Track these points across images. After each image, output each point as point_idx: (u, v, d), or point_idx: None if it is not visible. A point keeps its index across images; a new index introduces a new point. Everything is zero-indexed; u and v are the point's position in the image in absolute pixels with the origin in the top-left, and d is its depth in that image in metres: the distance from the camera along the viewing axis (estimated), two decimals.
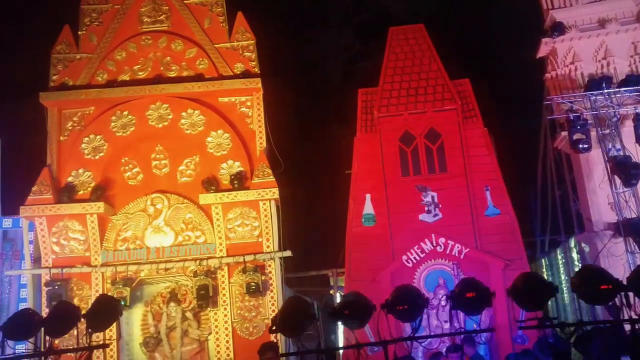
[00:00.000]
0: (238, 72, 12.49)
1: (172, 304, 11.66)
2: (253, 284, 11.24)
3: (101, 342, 7.62)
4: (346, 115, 13.92)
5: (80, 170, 11.86)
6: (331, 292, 14.61)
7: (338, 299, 14.44)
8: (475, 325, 9.45)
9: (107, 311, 6.93)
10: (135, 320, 11.86)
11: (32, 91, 13.63)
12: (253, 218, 11.87)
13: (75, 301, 11.32)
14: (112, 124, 12.10)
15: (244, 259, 11.50)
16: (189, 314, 11.73)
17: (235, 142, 12.21)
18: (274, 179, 11.88)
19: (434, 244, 11.80)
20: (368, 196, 12.93)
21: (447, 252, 11.74)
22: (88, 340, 5.26)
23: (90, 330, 6.50)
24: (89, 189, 11.75)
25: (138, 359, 11.72)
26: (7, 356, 6.59)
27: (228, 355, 11.40)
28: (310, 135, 15.10)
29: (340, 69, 22.68)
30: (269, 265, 11.77)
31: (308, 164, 14.30)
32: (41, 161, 12.69)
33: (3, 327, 6.17)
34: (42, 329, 6.49)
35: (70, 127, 12.27)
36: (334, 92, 14.19)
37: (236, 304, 11.60)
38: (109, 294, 11.48)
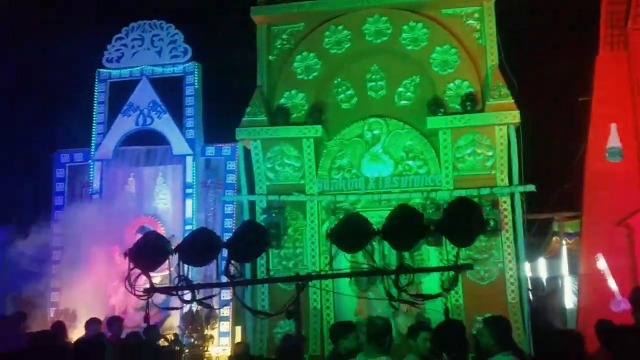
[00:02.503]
0: None
1: None
2: (492, 221, 9.53)
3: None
4: (585, 30, 11.54)
5: (293, 92, 10.64)
6: (554, 239, 12.56)
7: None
8: None
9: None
10: (341, 253, 10.64)
11: (233, 11, 12.69)
12: (487, 146, 10.07)
13: (290, 232, 10.34)
14: (326, 39, 10.72)
15: (478, 193, 9.78)
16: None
17: (463, 59, 10.39)
18: (512, 101, 9.97)
19: None
20: (613, 126, 10.64)
21: None
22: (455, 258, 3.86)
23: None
24: (303, 112, 10.53)
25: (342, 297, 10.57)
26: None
27: (457, 300, 9.87)
28: (544, 53, 12.85)
29: None
30: (504, 202, 9.99)
31: (539, 86, 12.14)
32: (243, 86, 11.74)
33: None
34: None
35: (279, 46, 11.07)
36: (571, 1, 11.76)
37: None
38: (325, 224, 10.37)
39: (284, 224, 10.10)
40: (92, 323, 8.49)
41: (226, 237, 11.83)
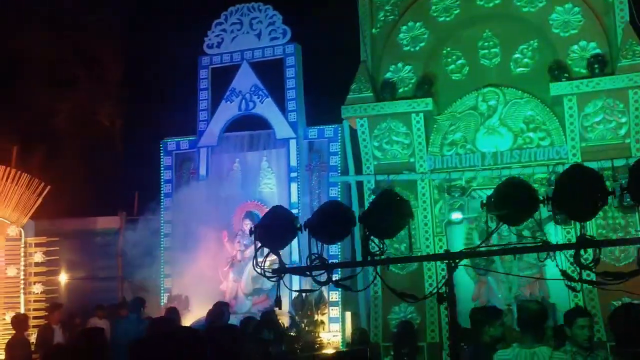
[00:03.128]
0: None
1: None
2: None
3: None
4: None
5: (400, 65, 10.03)
6: None
7: None
8: None
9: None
10: (456, 236, 9.97)
11: None
12: (619, 112, 9.03)
13: None
14: (433, 7, 10.00)
15: (612, 164, 8.79)
16: (526, 232, 9.45)
17: (588, 18, 9.36)
18: None
19: None
20: None
21: None
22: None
23: None
24: (410, 85, 9.90)
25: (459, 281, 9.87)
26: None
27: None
28: None
29: None
30: None
31: None
32: (343, 65, 11.27)
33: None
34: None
35: (382, 18, 10.46)
36: None
37: (596, 221, 8.99)
38: (438, 205, 9.74)
39: None
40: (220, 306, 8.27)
41: None
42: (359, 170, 10.29)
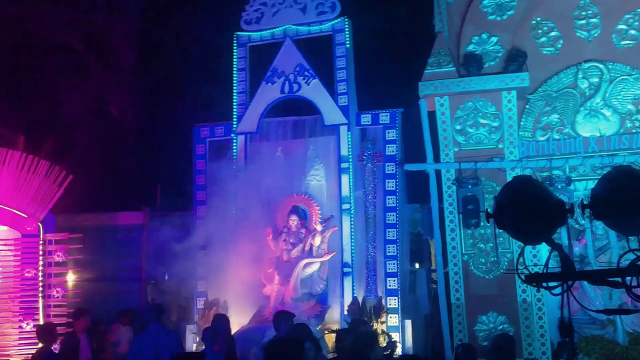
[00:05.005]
0: None
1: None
2: None
3: None
4: None
5: (484, 35, 8.52)
6: None
7: None
8: None
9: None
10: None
11: None
12: None
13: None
14: None
15: None
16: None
17: None
18: None
19: None
20: None
21: None
22: None
23: None
24: (497, 60, 8.41)
25: None
26: None
27: None
28: None
29: None
30: None
31: None
32: (399, 43, 9.81)
33: None
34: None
35: None
36: None
37: None
38: None
39: (482, 197, 8.03)
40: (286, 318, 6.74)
41: (389, 217, 9.98)
42: (429, 159, 8.78)
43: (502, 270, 7.90)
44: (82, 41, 17.67)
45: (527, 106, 8.31)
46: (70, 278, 9.33)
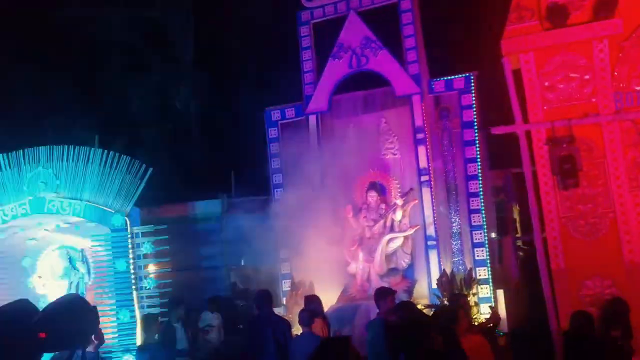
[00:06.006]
0: None
1: None
2: None
3: None
4: None
5: None
6: None
7: None
8: None
9: None
10: None
11: None
12: None
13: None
14: None
15: None
16: None
17: None
18: None
19: None
20: None
21: None
22: None
23: None
24: (582, 7, 7.76)
25: None
26: None
27: None
28: None
29: None
30: None
31: None
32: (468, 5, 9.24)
33: None
34: None
35: None
36: None
37: None
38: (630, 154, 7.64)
39: (579, 157, 7.47)
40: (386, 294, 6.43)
41: (471, 186, 9.50)
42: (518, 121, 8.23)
43: None
44: (143, 38, 17.80)
45: (621, 54, 7.65)
46: (158, 269, 9.33)
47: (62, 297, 3.18)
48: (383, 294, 6.28)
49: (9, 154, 9.69)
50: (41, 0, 15.18)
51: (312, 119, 10.90)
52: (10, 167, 9.47)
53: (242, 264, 12.38)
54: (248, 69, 15.39)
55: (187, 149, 17.55)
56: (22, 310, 2.97)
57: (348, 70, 10.75)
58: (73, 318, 2.93)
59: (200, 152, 17.13)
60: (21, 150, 9.66)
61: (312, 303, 7.61)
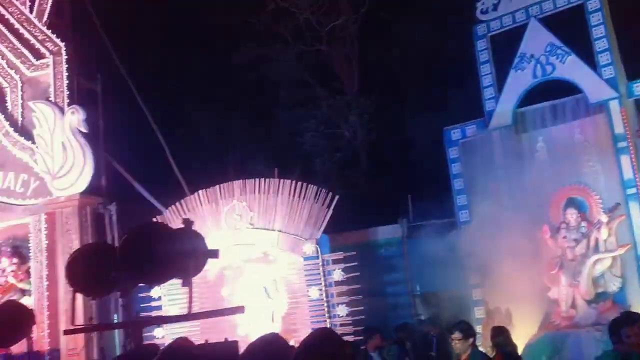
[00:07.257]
0: None
1: None
2: None
3: None
4: None
5: None
6: None
7: None
8: None
9: None
10: None
11: None
12: None
13: None
14: None
15: None
16: None
17: None
18: None
19: None
20: None
21: None
22: None
23: None
24: None
25: None
26: None
27: None
28: None
29: None
30: None
31: None
32: None
33: None
34: None
35: None
36: None
37: None
38: None
39: None
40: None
41: None
42: None
43: None
44: (310, 71, 18.36)
45: None
46: (355, 296, 9.26)
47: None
48: (630, 320, 5.25)
49: (207, 189, 10.33)
50: (221, 46, 16.26)
51: (496, 135, 10.29)
52: (209, 202, 10.07)
53: (417, 289, 11.95)
54: (418, 91, 15.14)
55: (356, 175, 17.63)
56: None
57: (532, 81, 10.05)
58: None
59: (370, 178, 17.11)
60: (217, 186, 10.25)
61: (500, 335, 7.02)
